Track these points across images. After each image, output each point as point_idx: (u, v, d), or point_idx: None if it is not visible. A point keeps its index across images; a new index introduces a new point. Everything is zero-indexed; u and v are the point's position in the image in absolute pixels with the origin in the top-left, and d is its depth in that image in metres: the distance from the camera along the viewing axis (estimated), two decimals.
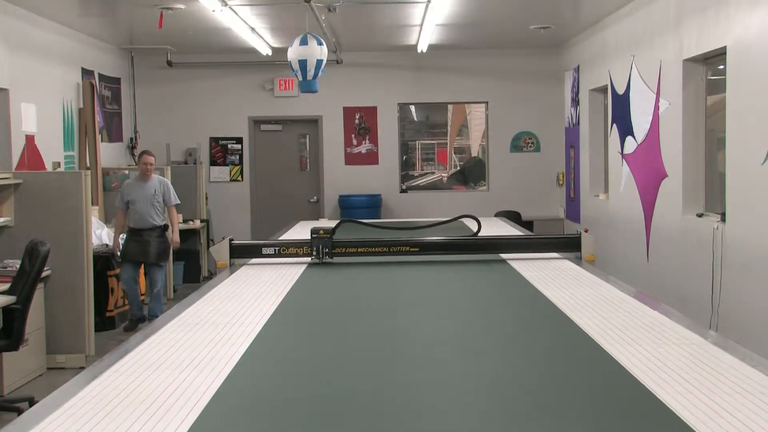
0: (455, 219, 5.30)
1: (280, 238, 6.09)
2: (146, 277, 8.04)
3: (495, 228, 6.61)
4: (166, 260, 8.10)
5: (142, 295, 8.09)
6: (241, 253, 4.76)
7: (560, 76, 11.26)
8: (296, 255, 4.68)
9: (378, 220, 9.56)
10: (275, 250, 4.69)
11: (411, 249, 4.69)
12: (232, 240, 4.74)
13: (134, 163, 10.87)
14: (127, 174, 9.26)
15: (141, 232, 7.79)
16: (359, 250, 4.69)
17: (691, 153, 6.78)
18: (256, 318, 3.21)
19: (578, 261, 4.62)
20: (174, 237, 8.12)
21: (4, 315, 5.29)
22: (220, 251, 4.69)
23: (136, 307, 7.86)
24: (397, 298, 3.82)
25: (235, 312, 3.34)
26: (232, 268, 4.59)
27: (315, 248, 4.61)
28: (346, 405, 2.15)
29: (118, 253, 7.84)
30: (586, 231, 4.82)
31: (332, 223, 7.27)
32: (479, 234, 5.02)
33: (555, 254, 4.80)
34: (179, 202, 8.19)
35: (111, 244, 8.00)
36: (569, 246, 4.79)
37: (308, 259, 4.68)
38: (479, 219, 5.11)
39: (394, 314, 3.40)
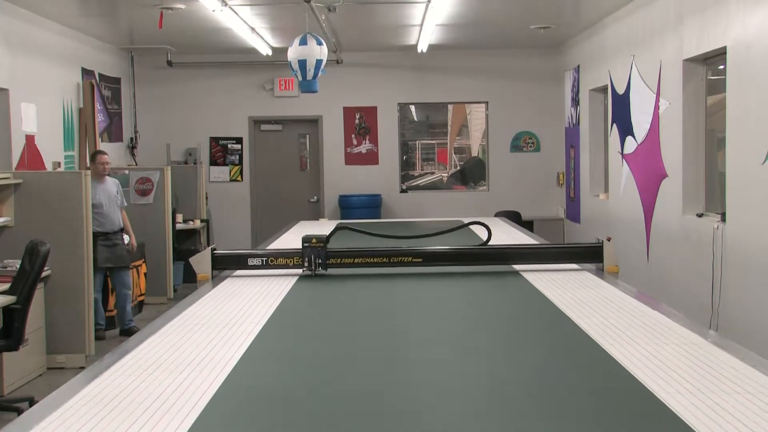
0: (463, 226, 4.87)
1: (279, 239, 6.09)
2: (116, 282, 7.76)
3: (496, 228, 6.59)
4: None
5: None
6: (225, 263, 4.36)
7: (560, 76, 11.26)
8: (286, 266, 4.26)
9: (378, 220, 9.56)
10: (263, 260, 4.27)
11: (414, 260, 4.29)
12: (215, 249, 4.33)
13: (134, 163, 10.89)
14: (127, 174, 9.25)
15: (109, 235, 7.56)
16: (356, 260, 4.27)
17: (691, 153, 6.78)
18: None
19: (599, 273, 4.21)
20: (132, 241, 7.97)
21: (4, 315, 5.29)
22: (201, 262, 4.25)
23: (101, 317, 7.60)
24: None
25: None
26: (215, 280, 4.19)
27: (307, 259, 4.20)
28: (346, 406, 2.16)
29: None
30: (608, 240, 4.34)
31: (331, 225, 7.27)
32: (489, 243, 4.53)
33: (573, 265, 4.39)
34: None
35: None
36: (589, 256, 4.35)
37: (299, 271, 4.26)
38: (489, 227, 4.59)
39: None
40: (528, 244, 5.33)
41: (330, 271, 4.25)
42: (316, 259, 4.19)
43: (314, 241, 4.20)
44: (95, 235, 7.44)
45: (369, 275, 4.28)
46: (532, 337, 2.98)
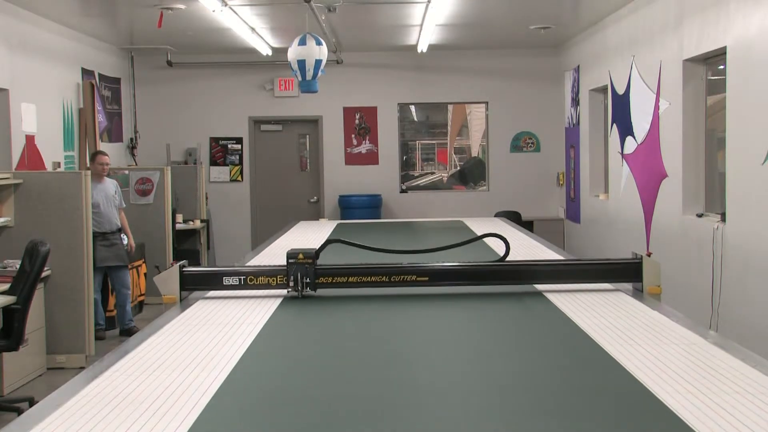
0: (477, 239, 4.25)
1: (278, 239, 6.08)
2: (115, 282, 7.73)
3: (495, 229, 6.57)
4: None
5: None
6: (197, 283, 3.76)
7: (560, 76, 11.26)
8: (268, 286, 3.68)
9: (377, 221, 9.56)
10: (240, 279, 3.69)
11: (418, 278, 3.70)
12: (184, 267, 3.73)
13: (134, 164, 10.89)
14: (128, 174, 9.25)
15: (107, 235, 7.55)
16: (350, 279, 3.68)
17: (691, 153, 6.78)
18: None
19: (638, 294, 3.63)
20: (131, 242, 7.96)
21: (4, 315, 5.29)
22: (168, 281, 3.66)
23: (101, 317, 7.61)
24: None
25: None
26: (184, 303, 3.62)
27: (292, 277, 3.61)
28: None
29: None
30: (648, 255, 3.75)
31: (331, 225, 7.27)
32: (507, 258, 3.88)
33: (606, 285, 3.81)
34: None
35: None
36: (626, 274, 3.76)
37: (284, 292, 3.69)
38: (507, 240, 3.93)
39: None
40: (553, 260, 4.55)
41: (320, 291, 3.68)
42: (303, 277, 3.61)
43: (301, 256, 3.62)
44: (93, 235, 7.44)
45: (366, 297, 3.70)
46: (532, 338, 2.97)
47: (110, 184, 7.78)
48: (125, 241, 7.93)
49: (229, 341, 2.85)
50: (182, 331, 3.03)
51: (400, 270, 3.73)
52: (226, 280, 3.71)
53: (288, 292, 3.67)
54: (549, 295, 3.62)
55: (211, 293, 3.78)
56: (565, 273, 3.89)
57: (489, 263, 3.92)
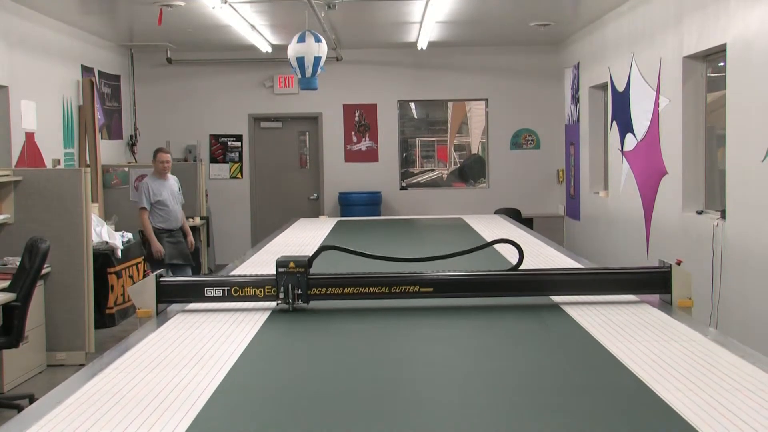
0: (487, 245, 3.81)
1: (278, 237, 6.08)
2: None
3: (496, 226, 6.57)
4: None
5: None
6: (175, 294, 3.40)
7: (560, 74, 11.26)
8: (255, 298, 3.33)
9: (377, 218, 9.56)
10: (224, 290, 3.33)
11: (422, 289, 3.34)
12: (161, 278, 3.37)
13: (134, 161, 10.88)
14: (127, 171, 9.25)
15: (173, 232, 7.68)
16: (346, 290, 3.33)
17: (691, 150, 6.78)
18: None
19: (667, 307, 3.27)
20: (191, 239, 8.03)
21: (4, 312, 5.29)
22: (143, 293, 3.33)
23: None
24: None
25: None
26: (161, 317, 3.28)
27: (282, 288, 3.26)
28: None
29: (161, 256, 7.51)
30: (678, 263, 3.38)
31: (331, 223, 7.26)
32: (521, 267, 3.48)
33: (631, 296, 3.45)
34: None
35: (115, 243, 7.79)
36: (652, 284, 3.39)
37: (273, 304, 3.35)
38: (521, 246, 3.52)
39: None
40: (572, 268, 4.12)
41: (312, 304, 3.32)
42: (294, 288, 3.26)
43: (292, 265, 3.26)
44: (160, 231, 7.55)
45: (364, 310, 3.35)
46: (532, 340, 2.97)
47: (174, 181, 7.83)
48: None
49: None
50: (182, 328, 3.03)
51: (402, 280, 3.36)
52: (208, 292, 3.35)
53: (277, 304, 3.33)
54: (566, 308, 3.31)
55: (192, 306, 3.44)
56: (585, 283, 3.52)
57: (502, 272, 3.52)
